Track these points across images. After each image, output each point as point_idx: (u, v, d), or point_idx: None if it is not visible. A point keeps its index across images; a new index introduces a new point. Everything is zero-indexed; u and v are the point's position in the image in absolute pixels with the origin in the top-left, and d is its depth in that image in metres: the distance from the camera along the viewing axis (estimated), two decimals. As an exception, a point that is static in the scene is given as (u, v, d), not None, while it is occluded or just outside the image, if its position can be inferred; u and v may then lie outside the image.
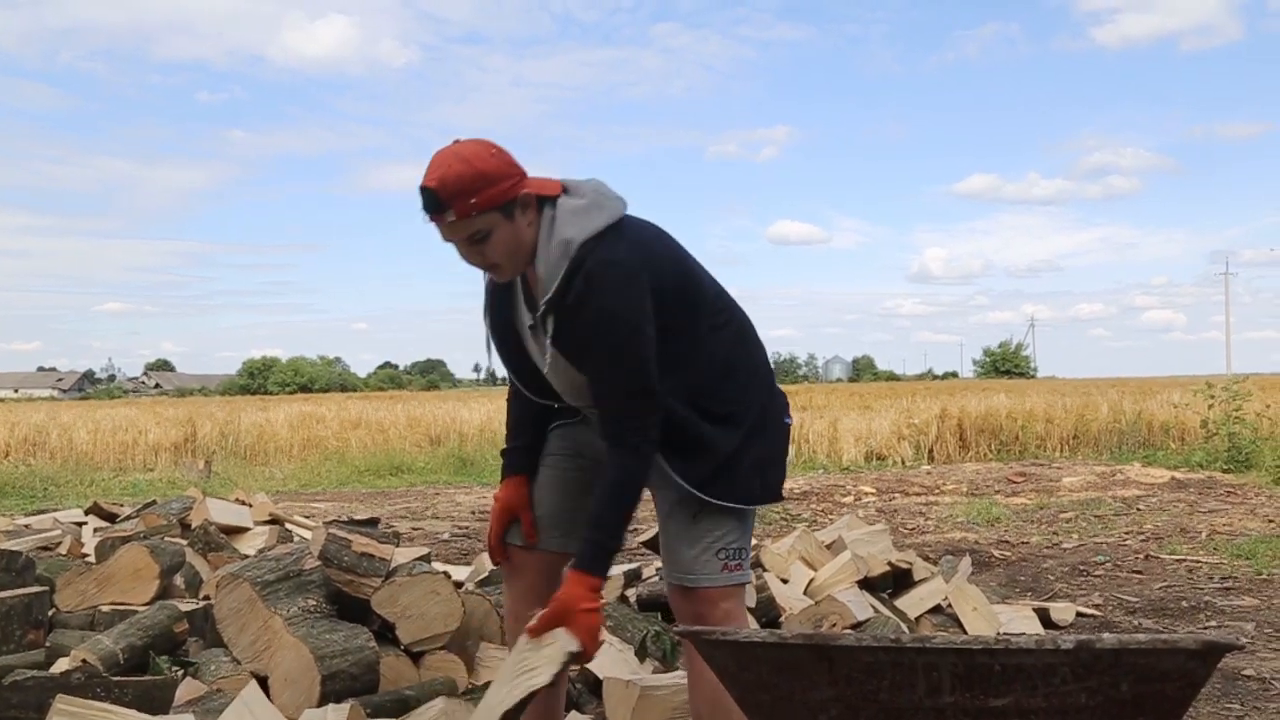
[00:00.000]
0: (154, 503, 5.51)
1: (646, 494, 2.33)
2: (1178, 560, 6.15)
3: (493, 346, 2.38)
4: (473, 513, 8.96)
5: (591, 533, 2.17)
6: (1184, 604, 5.01)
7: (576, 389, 2.27)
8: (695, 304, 2.24)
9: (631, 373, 2.12)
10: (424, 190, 2.06)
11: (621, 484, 2.16)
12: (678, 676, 2.92)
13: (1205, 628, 4.55)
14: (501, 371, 2.45)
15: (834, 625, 3.63)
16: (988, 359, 77.70)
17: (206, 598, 3.70)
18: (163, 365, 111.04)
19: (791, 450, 15.07)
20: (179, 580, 3.98)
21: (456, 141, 2.11)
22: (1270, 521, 7.62)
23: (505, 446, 2.49)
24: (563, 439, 2.45)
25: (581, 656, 2.12)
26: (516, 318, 2.31)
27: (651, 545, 3.92)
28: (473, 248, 2.12)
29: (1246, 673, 3.79)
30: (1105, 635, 1.46)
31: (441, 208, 2.05)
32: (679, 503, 2.28)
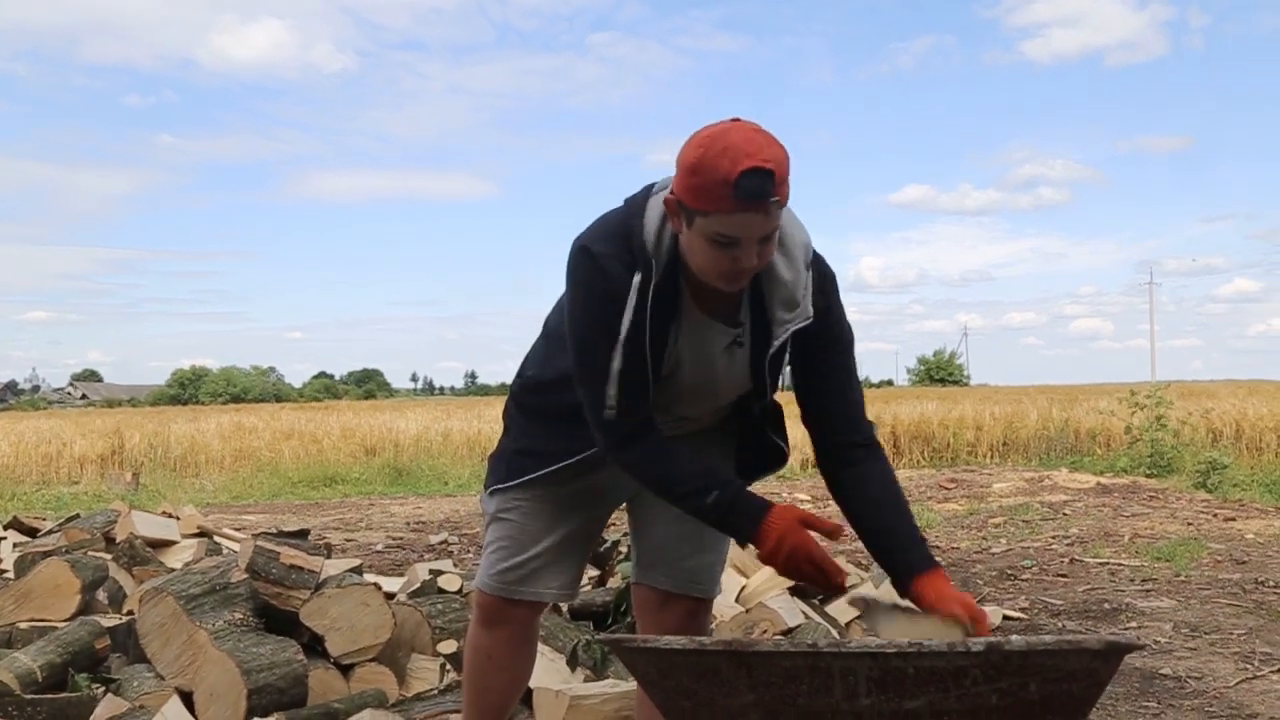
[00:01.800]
0: (77, 516, 5.39)
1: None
2: (1101, 564, 6.30)
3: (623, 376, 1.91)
4: (407, 523, 8.88)
5: (918, 534, 1.97)
6: (1106, 606, 5.13)
7: (726, 402, 2.10)
8: None
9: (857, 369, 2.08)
10: (758, 172, 1.70)
11: (898, 482, 2.04)
12: (607, 686, 2.93)
13: (1126, 628, 4.67)
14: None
15: (764, 631, 3.67)
16: (922, 367, 78.84)
17: (130, 613, 3.63)
18: (90, 375, 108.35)
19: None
20: (102, 595, 3.90)
21: (736, 120, 1.79)
22: (1189, 525, 7.85)
23: (733, 490, 1.95)
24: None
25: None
26: (690, 334, 1.97)
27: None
28: (760, 247, 1.79)
29: (1164, 672, 3.90)
30: (1014, 637, 1.50)
31: (765, 194, 1.71)
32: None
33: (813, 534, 1.91)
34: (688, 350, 1.98)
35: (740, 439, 2.20)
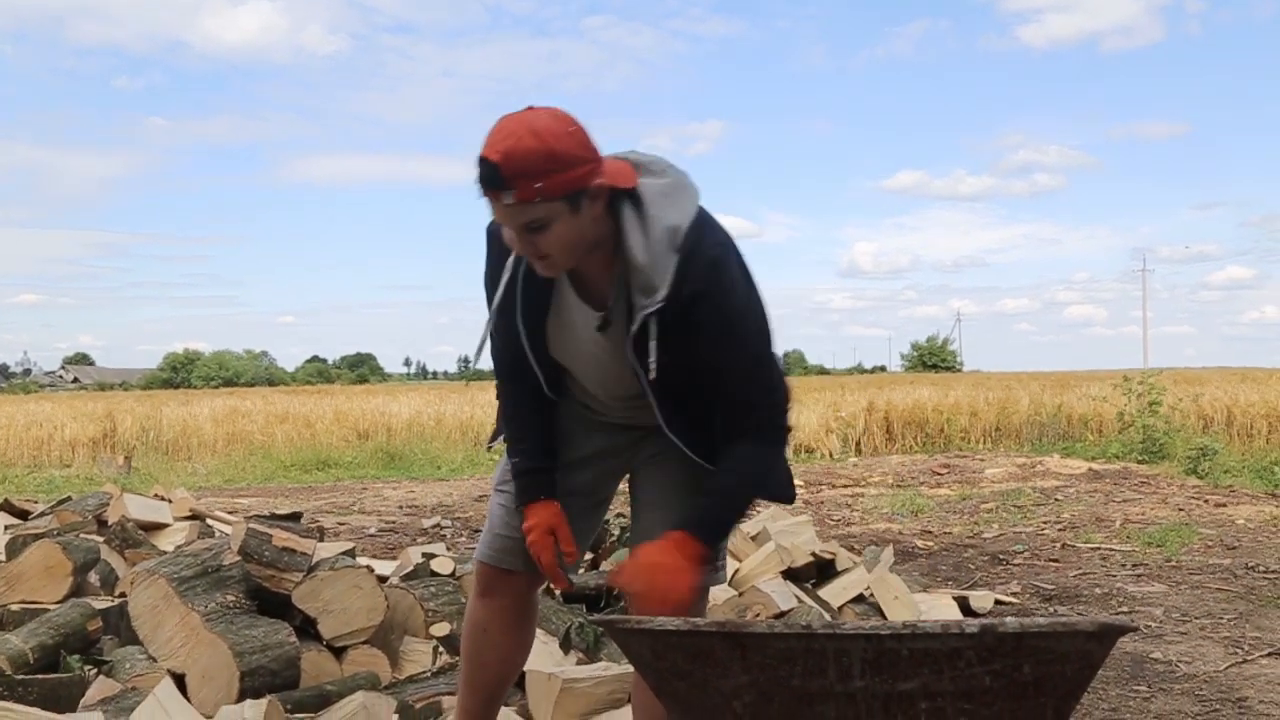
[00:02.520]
0: (69, 499, 5.38)
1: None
2: (1093, 549, 6.32)
3: (492, 342, 2.13)
4: (400, 507, 8.88)
5: (716, 501, 1.99)
6: (1098, 591, 5.15)
7: (626, 388, 2.07)
8: None
9: (769, 360, 1.98)
10: (484, 161, 1.77)
11: (762, 474, 2.02)
12: (600, 668, 2.94)
13: (1117, 613, 4.69)
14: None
15: (757, 615, 3.68)
16: (915, 353, 79.03)
17: (122, 595, 3.62)
18: (81, 359, 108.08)
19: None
20: (94, 578, 3.89)
21: (530, 108, 1.82)
22: (1181, 510, 7.87)
23: (529, 465, 2.16)
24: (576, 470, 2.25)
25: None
26: (560, 314, 2.05)
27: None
28: (526, 235, 1.84)
29: (1154, 656, 3.92)
30: (1008, 619, 1.50)
31: (501, 185, 1.77)
32: (696, 491, 2.10)
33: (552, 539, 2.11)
34: (557, 329, 2.07)
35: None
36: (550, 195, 1.78)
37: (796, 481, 10.44)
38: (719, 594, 3.84)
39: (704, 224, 1.92)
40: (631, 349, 1.95)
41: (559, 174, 1.77)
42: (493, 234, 2.05)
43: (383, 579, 3.68)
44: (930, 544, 6.64)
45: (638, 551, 2.01)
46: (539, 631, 3.36)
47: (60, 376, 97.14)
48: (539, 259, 1.89)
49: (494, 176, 1.77)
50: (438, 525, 7.55)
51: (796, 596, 3.88)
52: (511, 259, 2.01)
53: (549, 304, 2.05)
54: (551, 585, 2.10)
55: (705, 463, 2.08)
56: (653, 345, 1.91)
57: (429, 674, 3.10)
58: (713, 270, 1.89)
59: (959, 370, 72.63)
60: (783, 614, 3.68)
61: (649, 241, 1.88)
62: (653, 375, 1.93)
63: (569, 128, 1.80)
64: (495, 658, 2.32)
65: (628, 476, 2.33)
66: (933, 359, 75.58)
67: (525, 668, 2.96)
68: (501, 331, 2.09)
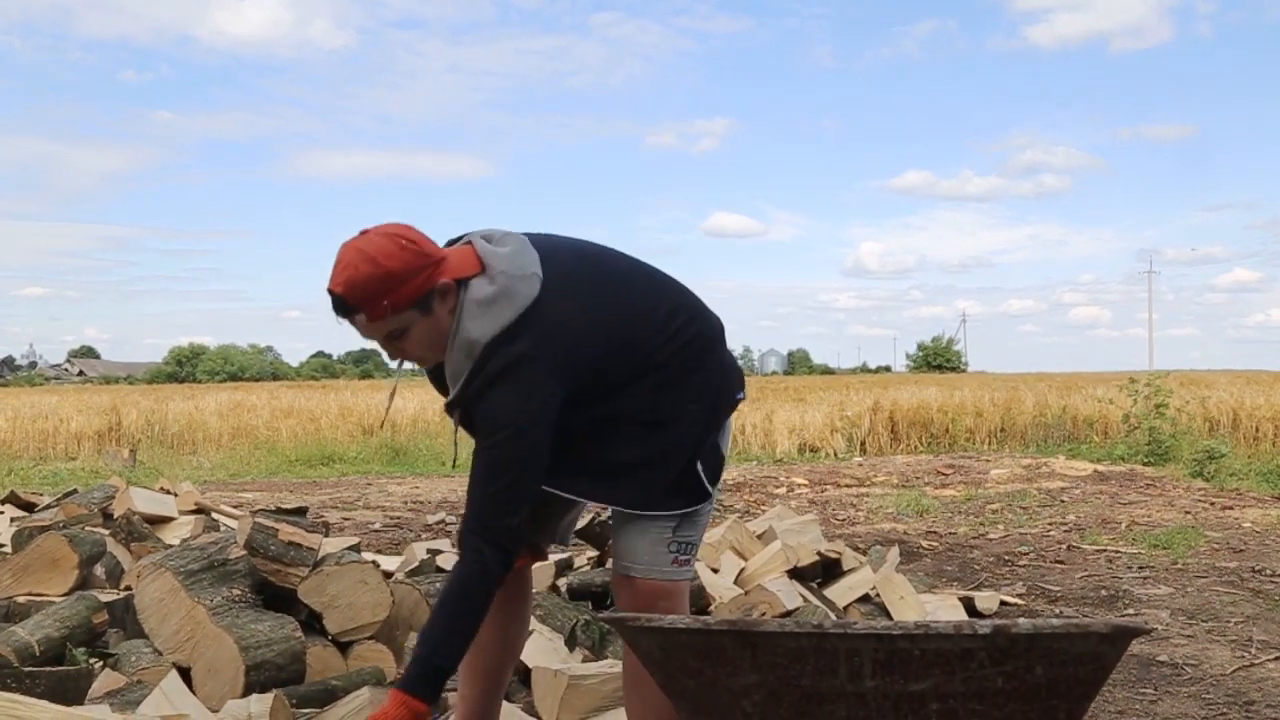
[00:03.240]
0: (75, 492, 5.38)
1: None
2: (1098, 550, 6.31)
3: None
4: (405, 503, 8.88)
5: (421, 648, 2.05)
6: (1103, 593, 5.14)
7: None
8: (638, 334, 2.18)
9: (501, 473, 2.05)
10: (331, 294, 2.00)
11: (459, 595, 2.05)
12: (606, 665, 2.93)
13: (1123, 615, 4.68)
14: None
15: (763, 614, 3.67)
16: (920, 353, 79.01)
17: (128, 588, 3.62)
18: (87, 352, 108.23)
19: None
20: (99, 570, 3.89)
21: (364, 233, 2.04)
22: (1187, 513, 7.85)
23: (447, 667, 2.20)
24: None
25: None
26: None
27: (584, 534, 3.92)
28: (391, 344, 2.08)
29: (1160, 658, 3.90)
30: (1021, 620, 1.49)
31: (351, 311, 2.01)
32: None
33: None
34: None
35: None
36: (398, 308, 2.00)
37: (800, 480, 10.45)
38: (724, 593, 3.83)
39: (509, 338, 2.05)
40: (448, 409, 2.15)
41: (400, 289, 1.98)
42: None
43: (388, 574, 3.67)
44: (935, 544, 6.63)
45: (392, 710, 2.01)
46: (543, 628, 3.36)
47: (66, 369, 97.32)
48: (412, 359, 2.13)
49: (342, 306, 2.00)
50: (442, 521, 7.55)
51: (802, 596, 3.87)
52: None
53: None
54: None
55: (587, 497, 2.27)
56: (457, 414, 2.12)
57: (434, 670, 3.09)
58: (485, 383, 2.05)
59: (964, 371, 72.59)
60: (789, 613, 3.67)
61: (453, 350, 2.08)
62: (457, 425, 2.15)
63: (400, 243, 2.00)
64: (490, 639, 2.34)
65: None
66: (938, 359, 75.56)
67: (531, 664, 2.96)
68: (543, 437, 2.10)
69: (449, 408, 2.13)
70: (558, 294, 2.10)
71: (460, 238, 2.20)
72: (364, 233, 2.04)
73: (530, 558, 2.42)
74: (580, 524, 4.45)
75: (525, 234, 2.21)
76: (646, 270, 2.32)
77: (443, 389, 2.22)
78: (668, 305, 2.24)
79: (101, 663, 2.96)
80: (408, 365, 2.23)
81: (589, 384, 2.11)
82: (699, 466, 2.25)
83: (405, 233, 2.03)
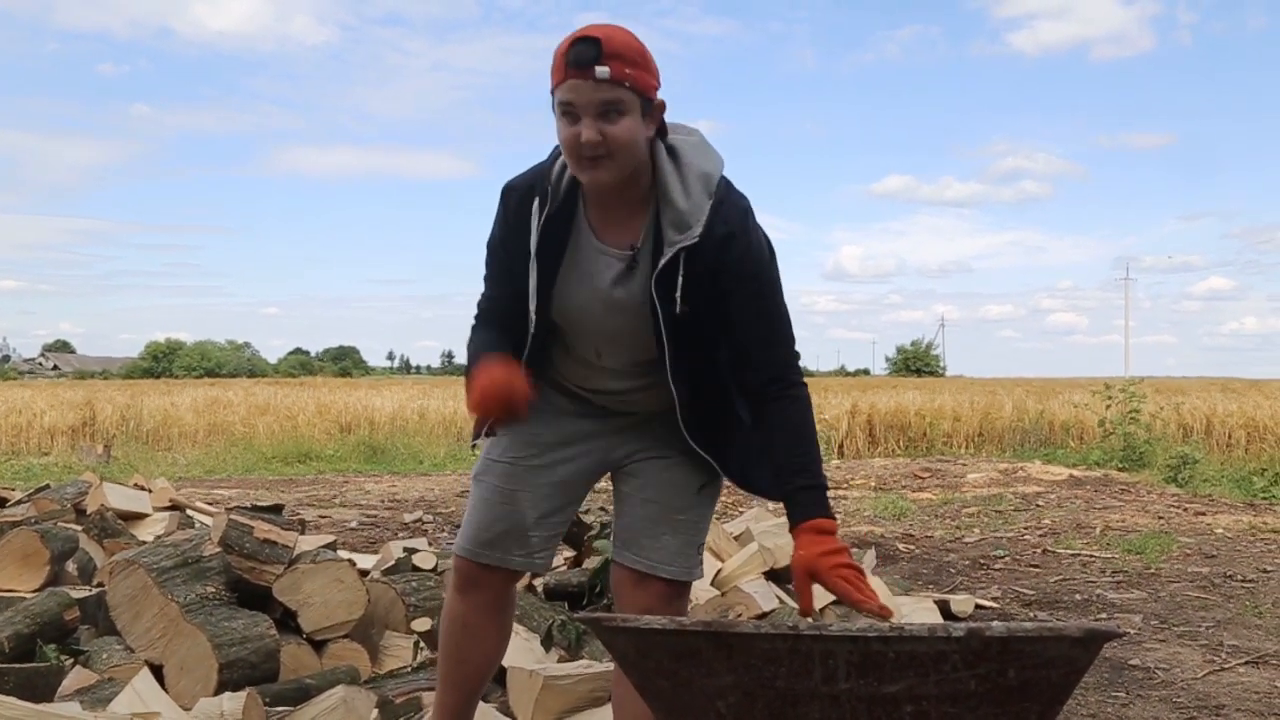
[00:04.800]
0: (47, 487, 5.33)
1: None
2: (1073, 555, 6.35)
3: (491, 286, 2.19)
4: (382, 501, 8.85)
5: (807, 479, 1.98)
6: (1077, 597, 5.17)
7: (638, 350, 2.10)
8: None
9: (785, 311, 2.05)
10: (583, 40, 1.88)
11: (811, 424, 2.02)
12: (582, 666, 2.93)
13: (1096, 619, 4.71)
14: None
15: (740, 615, 3.68)
16: (900, 357, 79.40)
17: (100, 584, 3.59)
18: (61, 346, 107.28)
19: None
20: (71, 567, 3.86)
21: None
22: (1160, 518, 7.92)
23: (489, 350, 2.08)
24: (543, 436, 2.23)
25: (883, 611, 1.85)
26: (576, 266, 2.08)
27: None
28: (600, 119, 1.90)
29: (1133, 662, 3.93)
30: (994, 623, 1.50)
31: (599, 59, 1.87)
32: (682, 488, 2.19)
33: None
34: (569, 282, 2.08)
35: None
36: (636, 85, 1.90)
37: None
38: (701, 594, 3.83)
39: (731, 182, 2.02)
40: (656, 287, 1.98)
41: (645, 71, 1.92)
42: (509, 191, 2.10)
43: (364, 573, 3.66)
44: (912, 547, 6.66)
45: (807, 542, 1.93)
46: (520, 628, 3.35)
47: (40, 364, 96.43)
48: (595, 158, 1.92)
49: (594, 51, 1.87)
50: (419, 520, 7.52)
51: (779, 598, 3.89)
52: (535, 207, 2.04)
53: (563, 255, 2.07)
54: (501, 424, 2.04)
55: (704, 452, 2.13)
56: (680, 280, 1.97)
57: (409, 669, 3.09)
58: (744, 217, 1.99)
59: (942, 375, 72.93)
60: (765, 615, 3.68)
61: (685, 185, 1.98)
62: (679, 310, 1.98)
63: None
64: (475, 653, 2.30)
65: (609, 474, 2.32)
66: (916, 363, 75.91)
67: (506, 664, 2.95)
68: (505, 280, 2.11)
69: (679, 248, 1.96)
70: None
71: None
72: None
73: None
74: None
75: None
76: None
77: (547, 269, 2.06)
78: None
79: (72, 660, 2.93)
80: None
81: None
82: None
83: None
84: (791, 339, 2.08)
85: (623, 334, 2.10)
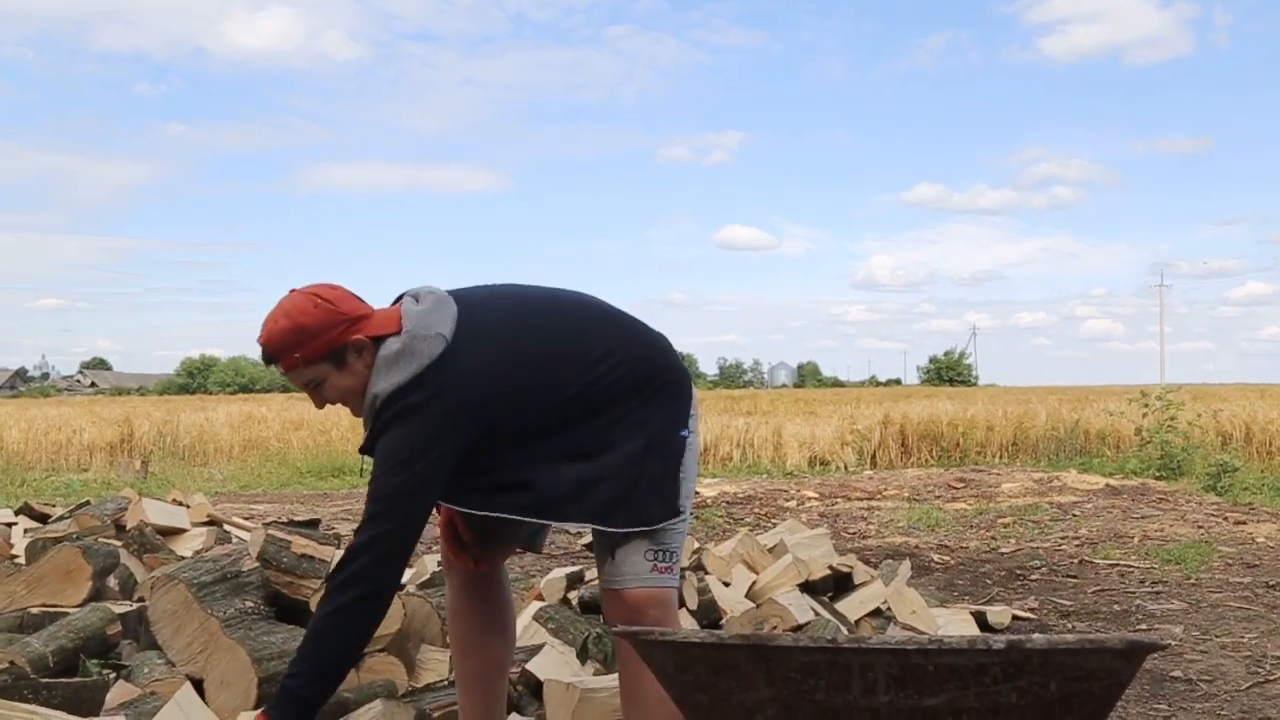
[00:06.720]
0: (88, 503, 5.40)
1: None
2: (1111, 565, 6.28)
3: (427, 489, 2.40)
4: (416, 515, 8.88)
5: (286, 677, 2.17)
6: (1116, 608, 5.12)
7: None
8: (557, 377, 2.27)
9: (384, 509, 2.18)
10: (259, 344, 2.24)
11: (330, 630, 2.17)
12: (618, 679, 2.92)
13: (1135, 630, 4.66)
14: None
15: (775, 627, 3.66)
16: (932, 366, 78.99)
17: (141, 599, 3.63)
18: (99, 364, 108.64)
19: (737, 453, 15.25)
20: (113, 582, 3.90)
21: (291, 292, 2.26)
22: (1200, 528, 7.81)
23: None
24: None
25: None
26: None
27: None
28: (311, 392, 2.27)
29: (1174, 674, 3.88)
30: (1035, 635, 1.49)
31: (271, 360, 2.23)
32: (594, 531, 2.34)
33: None
34: None
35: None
36: (310, 360, 2.21)
37: (810, 493, 10.42)
38: (736, 606, 3.83)
39: (404, 393, 2.18)
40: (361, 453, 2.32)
41: (310, 342, 2.19)
42: None
43: (400, 587, 3.68)
44: (947, 558, 6.61)
45: None
46: (556, 641, 3.36)
47: (78, 381, 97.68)
48: (343, 405, 2.30)
49: (264, 355, 2.24)
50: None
51: (814, 609, 3.87)
52: None
53: None
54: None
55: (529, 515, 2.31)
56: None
57: (446, 683, 3.10)
58: (379, 432, 2.22)
59: (974, 384, 72.39)
60: (800, 627, 3.66)
61: (365, 399, 2.26)
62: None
63: (316, 302, 2.21)
64: (470, 644, 2.49)
65: None
66: (949, 373, 75.46)
67: (543, 677, 2.96)
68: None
69: (361, 450, 2.30)
70: (464, 350, 2.22)
71: (402, 295, 2.37)
72: (291, 291, 2.26)
73: (486, 562, 2.51)
74: (589, 538, 4.46)
75: (459, 290, 2.36)
76: (576, 311, 2.41)
77: None
78: (596, 350, 2.32)
79: (115, 674, 2.96)
80: None
81: (505, 428, 2.23)
82: (648, 489, 2.30)
83: (324, 292, 2.24)
84: (370, 539, 2.19)
85: None
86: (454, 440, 2.19)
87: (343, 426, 17.37)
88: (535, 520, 2.31)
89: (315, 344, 2.19)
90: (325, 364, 2.22)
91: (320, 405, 2.32)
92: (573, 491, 2.26)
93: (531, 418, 2.26)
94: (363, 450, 2.29)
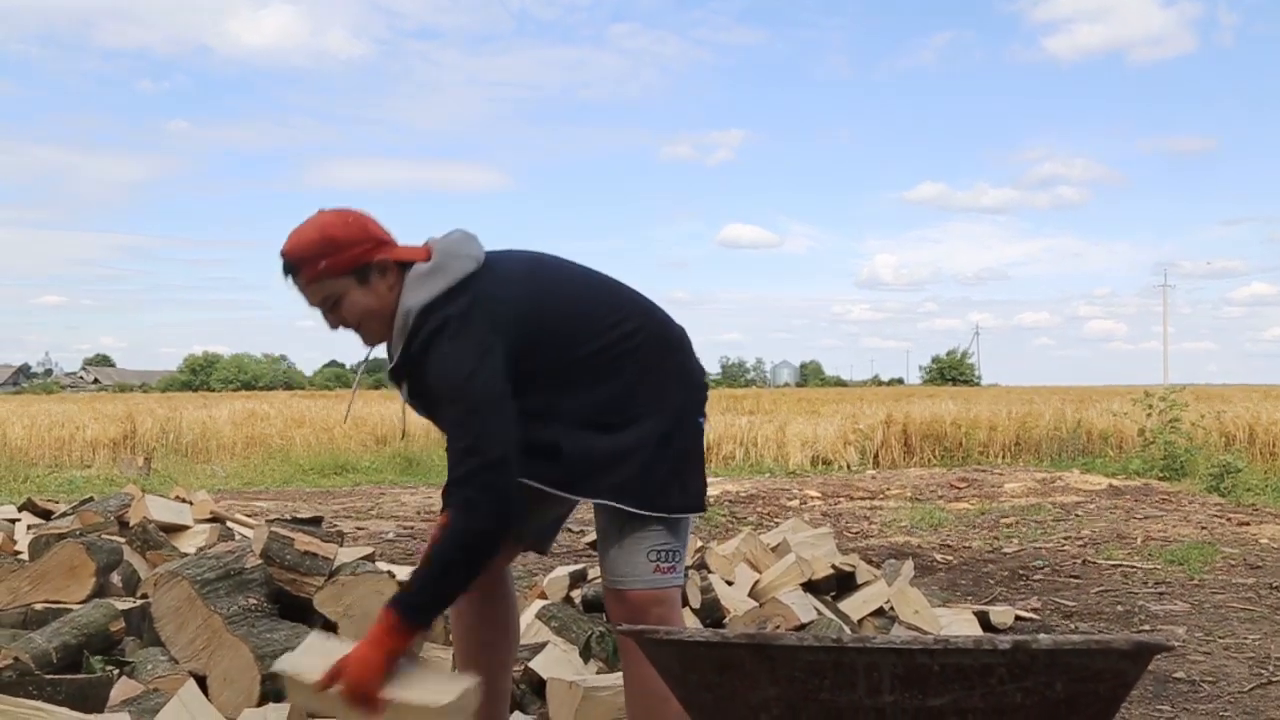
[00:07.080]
0: (91, 499, 5.40)
1: None
2: (1114, 565, 6.27)
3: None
4: (418, 512, 8.89)
5: (423, 571, 2.12)
6: (1119, 608, 5.11)
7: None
8: (578, 328, 2.25)
9: (469, 419, 2.11)
10: (280, 256, 2.18)
11: (451, 544, 2.09)
12: (621, 677, 2.92)
13: (1139, 631, 4.65)
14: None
15: (778, 627, 3.66)
16: (934, 366, 78.98)
17: (144, 596, 3.64)
18: (102, 360, 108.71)
19: (740, 451, 15.26)
20: (116, 578, 3.91)
21: (320, 211, 2.22)
22: (1203, 528, 7.80)
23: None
24: None
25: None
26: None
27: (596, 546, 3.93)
28: (328, 313, 2.22)
29: (1177, 675, 3.88)
30: (1041, 636, 1.49)
31: (291, 270, 2.18)
32: (604, 512, 2.31)
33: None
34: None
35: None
36: (334, 272, 2.16)
37: (813, 493, 10.42)
38: (739, 605, 3.82)
39: (442, 304, 2.17)
40: (392, 380, 2.30)
41: (337, 254, 2.14)
42: None
43: (403, 584, 3.68)
44: (950, 558, 6.61)
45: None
46: (559, 640, 3.36)
47: (81, 377, 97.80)
48: (355, 330, 2.24)
49: (285, 265, 2.18)
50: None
51: (817, 609, 3.87)
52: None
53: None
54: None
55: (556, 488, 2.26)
56: (404, 385, 2.27)
57: (449, 680, 3.10)
58: (432, 339, 2.16)
59: (977, 384, 72.35)
60: (803, 626, 3.66)
61: (399, 318, 2.22)
62: (405, 400, 2.32)
63: (348, 219, 2.18)
64: (473, 642, 2.48)
65: None
66: (951, 372, 75.45)
67: (546, 676, 2.96)
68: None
69: (392, 375, 2.26)
70: (495, 275, 2.22)
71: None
72: (319, 211, 2.21)
73: (507, 554, 2.48)
74: (592, 537, 4.46)
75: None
76: (602, 279, 2.40)
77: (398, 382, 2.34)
78: (617, 314, 2.31)
79: (118, 671, 2.97)
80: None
81: (534, 361, 2.19)
82: (679, 476, 2.29)
83: (354, 212, 2.21)
84: (465, 456, 2.11)
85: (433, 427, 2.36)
86: (501, 345, 2.15)
87: (345, 424, 17.39)
88: (563, 494, 2.27)
89: (342, 256, 2.15)
90: (348, 278, 2.17)
91: (334, 326, 2.25)
92: (599, 464, 2.23)
93: (556, 363, 2.22)
94: (393, 374, 2.26)
